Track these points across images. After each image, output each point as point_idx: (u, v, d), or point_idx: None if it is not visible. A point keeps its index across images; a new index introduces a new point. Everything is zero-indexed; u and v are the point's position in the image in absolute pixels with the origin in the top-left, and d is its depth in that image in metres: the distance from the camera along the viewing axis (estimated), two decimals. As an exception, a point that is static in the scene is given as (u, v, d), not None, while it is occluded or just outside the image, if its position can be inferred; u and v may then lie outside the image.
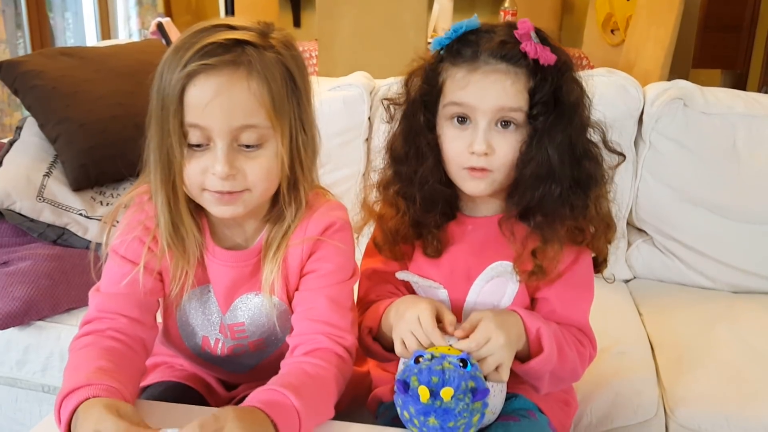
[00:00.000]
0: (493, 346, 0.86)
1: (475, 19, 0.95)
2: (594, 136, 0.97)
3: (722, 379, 1.28)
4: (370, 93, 1.84)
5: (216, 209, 0.89)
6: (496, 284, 1.00)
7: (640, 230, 1.74)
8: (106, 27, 3.90)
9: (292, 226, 0.94)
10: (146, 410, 0.87)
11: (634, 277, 1.74)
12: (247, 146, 0.85)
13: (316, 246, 0.95)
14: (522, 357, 0.93)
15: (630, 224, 1.73)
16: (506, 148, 0.92)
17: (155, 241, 0.94)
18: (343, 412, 0.95)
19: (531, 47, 0.89)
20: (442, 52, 0.95)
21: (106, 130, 1.66)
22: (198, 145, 0.85)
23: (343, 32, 2.64)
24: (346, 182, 1.80)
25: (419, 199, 0.97)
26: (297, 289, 0.97)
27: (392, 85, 1.84)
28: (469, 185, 0.96)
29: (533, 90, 0.90)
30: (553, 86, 0.90)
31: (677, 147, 1.64)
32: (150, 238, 0.93)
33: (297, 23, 4.86)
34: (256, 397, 0.81)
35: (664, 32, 3.42)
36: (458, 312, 1.01)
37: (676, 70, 3.46)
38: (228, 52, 0.82)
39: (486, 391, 0.82)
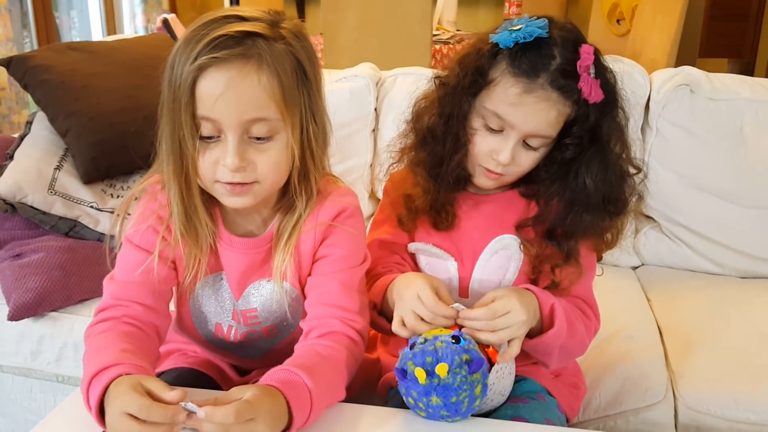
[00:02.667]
0: (512, 319, 0.88)
1: (544, 24, 0.92)
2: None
3: (730, 362, 1.28)
4: (377, 84, 1.85)
5: (227, 200, 0.90)
6: (501, 258, 1.02)
7: (647, 217, 1.74)
8: (111, 24, 3.91)
9: (303, 216, 0.95)
10: None
11: (642, 264, 1.75)
12: (258, 138, 0.86)
13: (328, 231, 0.96)
14: (533, 333, 0.94)
15: (637, 211, 1.73)
16: (527, 163, 0.96)
17: (168, 230, 0.95)
18: (354, 398, 0.96)
19: (587, 86, 0.90)
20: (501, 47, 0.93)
21: (115, 123, 1.66)
22: (209, 137, 0.85)
23: (347, 24, 2.65)
24: (353, 173, 1.81)
25: (448, 181, 1.00)
26: (309, 275, 0.98)
27: (398, 77, 1.88)
28: (481, 181, 1.00)
29: (572, 122, 0.93)
30: (593, 123, 0.93)
31: (684, 133, 1.64)
32: (164, 227, 0.94)
33: (301, 17, 4.86)
34: (272, 376, 0.82)
35: (670, 21, 3.40)
36: (464, 287, 1.03)
37: (683, 60, 3.44)
38: (238, 45, 0.82)
39: (481, 361, 0.83)
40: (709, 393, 1.22)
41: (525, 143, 0.94)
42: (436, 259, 1.05)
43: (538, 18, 0.93)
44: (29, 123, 1.77)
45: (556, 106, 0.91)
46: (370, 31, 2.62)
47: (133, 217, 0.95)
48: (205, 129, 0.84)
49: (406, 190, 1.05)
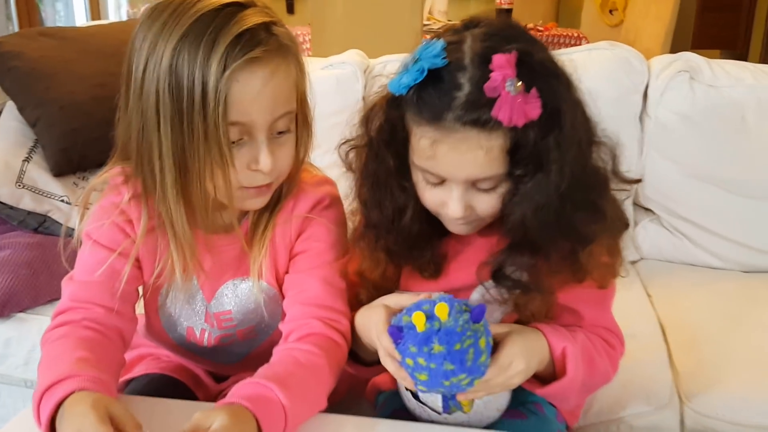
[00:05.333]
0: (512, 372, 0.79)
1: (439, 50, 0.75)
2: (601, 157, 0.83)
3: (738, 360, 1.22)
4: (364, 71, 1.78)
5: (248, 203, 0.85)
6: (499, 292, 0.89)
7: (646, 209, 1.68)
8: (96, 16, 3.84)
9: (279, 204, 0.89)
10: (130, 406, 0.80)
11: (641, 258, 1.68)
12: (278, 133, 0.81)
13: (304, 224, 0.90)
14: (547, 376, 0.87)
15: (636, 203, 1.67)
16: (486, 206, 0.80)
17: (131, 225, 0.87)
18: (339, 403, 0.92)
19: (505, 111, 0.72)
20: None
21: (88, 113, 1.59)
22: (232, 142, 0.78)
23: (336, 12, 2.58)
24: (340, 165, 1.73)
25: (404, 248, 0.87)
26: (287, 272, 0.92)
27: (387, 64, 1.81)
28: (454, 229, 0.86)
29: (513, 149, 0.76)
30: (536, 144, 0.75)
31: (684, 121, 1.58)
32: (124, 221, 0.88)
33: (291, 10, 4.80)
34: (240, 391, 0.76)
35: (665, 10, 3.36)
36: None
37: (675, 51, 3.41)
38: (264, 39, 0.76)
39: (482, 308, 0.75)
40: (716, 395, 1.16)
41: (476, 186, 0.79)
42: None
43: (437, 38, 0.77)
44: (-2, 113, 1.69)
45: (479, 143, 0.74)
46: (359, 21, 2.57)
47: (92, 212, 0.88)
48: (233, 134, 0.77)
49: (355, 262, 0.91)
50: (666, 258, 1.66)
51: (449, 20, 3.77)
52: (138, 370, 1.03)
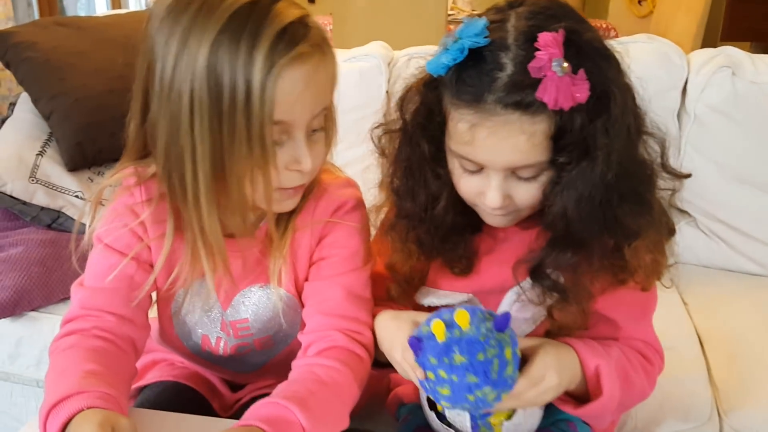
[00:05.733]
0: (544, 386, 0.75)
1: (481, 28, 0.70)
2: (649, 149, 0.78)
3: (781, 377, 1.16)
4: (388, 64, 1.73)
5: (283, 205, 0.81)
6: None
7: (682, 211, 1.58)
8: (117, 4, 3.81)
9: (299, 207, 0.84)
10: (140, 419, 0.78)
11: (675, 262, 1.60)
12: (313, 131, 0.77)
13: (326, 229, 0.86)
14: (579, 394, 0.82)
15: (671, 204, 1.59)
16: (526, 195, 0.75)
17: (144, 228, 0.83)
18: (359, 414, 0.86)
19: (551, 92, 0.67)
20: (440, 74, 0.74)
21: (103, 106, 1.55)
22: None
23: (358, 2, 2.53)
24: (362, 161, 1.65)
25: (437, 240, 0.82)
26: (307, 280, 0.87)
27: (412, 57, 1.75)
28: (490, 220, 0.81)
29: (557, 135, 0.71)
30: (583, 130, 0.70)
31: (724, 119, 1.52)
32: (137, 224, 0.83)
33: (312, -1, 4.75)
34: (257, 412, 0.71)
35: (697, 1, 3.26)
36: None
37: (705, 43, 3.31)
38: (305, 34, 0.72)
39: (506, 316, 0.70)
40: (758, 413, 1.10)
41: (516, 174, 0.74)
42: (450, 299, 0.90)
43: (479, 16, 0.73)
44: (12, 104, 1.68)
45: (521, 128, 0.69)
46: (382, 11, 2.53)
47: (103, 214, 0.83)
48: (275, 134, 0.73)
49: (385, 255, 0.87)
50: (702, 263, 1.59)
51: (473, 10, 3.69)
52: (151, 377, 0.99)
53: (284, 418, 0.70)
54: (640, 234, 0.76)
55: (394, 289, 0.88)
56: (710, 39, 3.58)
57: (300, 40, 0.71)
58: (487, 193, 0.75)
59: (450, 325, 0.69)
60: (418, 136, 0.78)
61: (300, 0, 0.79)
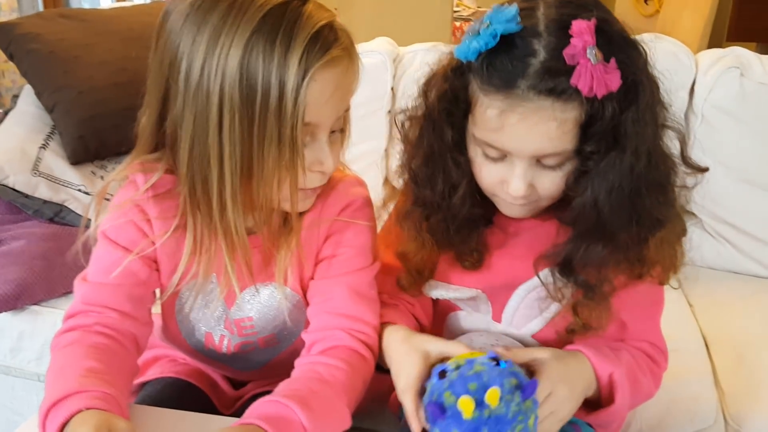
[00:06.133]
0: (555, 401, 0.75)
1: (513, 14, 0.70)
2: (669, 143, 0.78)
3: (788, 380, 1.15)
4: (394, 60, 1.72)
5: (302, 204, 0.81)
6: (542, 293, 0.85)
7: (688, 212, 1.58)
8: (123, -5, 3.79)
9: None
10: (140, 416, 0.78)
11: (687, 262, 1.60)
12: (332, 132, 0.78)
13: (333, 228, 0.85)
14: (591, 400, 0.82)
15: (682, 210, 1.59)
16: (549, 185, 0.76)
17: (150, 224, 0.82)
18: (361, 413, 0.85)
19: (586, 79, 0.67)
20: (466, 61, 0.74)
21: (107, 99, 1.56)
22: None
23: (363, -2, 2.52)
24: (367, 158, 1.70)
25: (452, 229, 0.82)
26: (312, 278, 0.87)
27: (418, 53, 1.74)
28: (508, 211, 0.81)
29: (586, 123, 0.71)
30: (613, 119, 0.70)
31: (732, 121, 1.51)
32: (143, 219, 0.82)
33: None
34: (257, 410, 0.71)
35: (704, 1, 3.24)
36: (498, 311, 0.89)
37: (711, 43, 3.30)
38: (335, 37, 0.73)
39: (534, 384, 0.69)
40: (764, 417, 1.09)
41: (540, 163, 0.74)
42: (463, 299, 0.90)
43: (509, 3, 0.73)
44: (16, 96, 1.66)
45: (553, 115, 0.69)
46: (388, 6, 2.52)
47: (108, 208, 0.82)
48: (303, 135, 0.74)
49: (397, 244, 0.87)
50: (708, 265, 1.58)
51: (479, 7, 3.67)
52: (153, 373, 0.99)
53: (285, 416, 0.69)
54: (665, 225, 0.76)
55: (405, 279, 0.88)
56: (716, 39, 3.56)
57: (332, 44, 0.71)
58: (510, 181, 0.75)
59: (479, 404, 0.67)
60: (441, 123, 0.78)
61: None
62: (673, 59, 1.52)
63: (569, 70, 0.67)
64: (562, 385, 0.75)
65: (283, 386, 0.75)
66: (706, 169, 0.81)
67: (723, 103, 1.51)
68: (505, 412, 0.67)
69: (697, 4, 3.27)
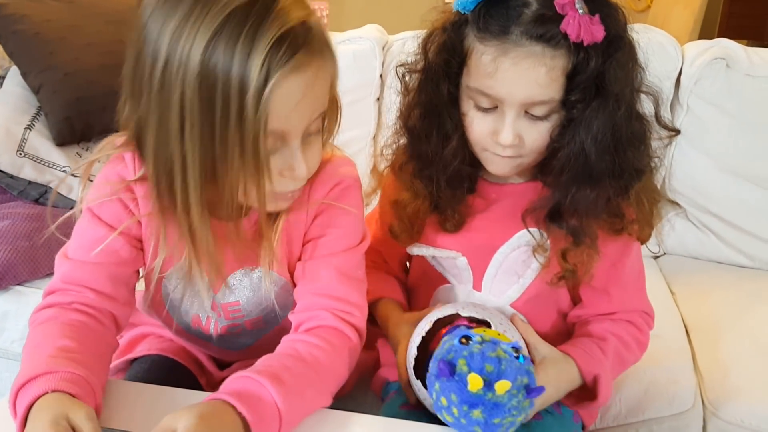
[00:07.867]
0: (542, 401, 0.82)
1: None
2: (644, 105, 0.84)
3: (766, 366, 1.16)
4: (383, 48, 1.72)
5: (278, 206, 0.79)
6: (522, 254, 0.90)
7: (672, 202, 1.61)
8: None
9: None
10: (119, 391, 0.78)
11: (665, 253, 1.62)
12: (308, 134, 0.74)
13: (320, 208, 0.84)
14: (576, 392, 0.89)
15: (662, 196, 1.60)
16: (536, 136, 0.82)
17: (137, 203, 0.81)
18: (346, 395, 0.87)
19: (574, 26, 0.74)
20: (464, 13, 0.80)
21: (93, 81, 1.54)
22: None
23: (354, -14, 2.50)
24: (355, 144, 1.69)
25: (443, 182, 0.88)
26: (299, 259, 0.86)
27: (407, 41, 1.73)
28: (495, 167, 0.86)
29: (572, 73, 0.78)
30: (597, 69, 0.77)
31: (718, 112, 1.52)
32: (130, 198, 0.80)
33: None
34: (229, 386, 0.70)
35: (694, -4, 3.25)
36: (478, 280, 0.92)
37: (702, 39, 3.31)
38: (306, 39, 0.67)
39: (540, 390, 0.72)
40: (743, 402, 1.10)
41: (528, 114, 0.80)
42: (443, 258, 0.94)
43: None
44: (2, 77, 1.65)
45: (543, 60, 0.76)
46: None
47: (94, 182, 0.81)
48: (269, 143, 0.69)
49: (392, 195, 0.92)
50: (691, 254, 1.60)
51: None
52: (140, 350, 0.98)
53: (255, 392, 0.68)
54: (643, 176, 0.84)
55: (398, 226, 0.93)
56: (707, 36, 3.58)
57: (300, 46, 0.66)
58: (501, 131, 0.80)
59: (487, 385, 0.70)
60: (438, 75, 0.83)
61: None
62: (660, 49, 1.52)
63: (559, 19, 0.75)
64: (551, 390, 0.83)
65: (258, 363, 0.74)
66: (677, 131, 0.90)
67: (708, 95, 1.51)
68: (506, 402, 0.70)
69: (688, 1, 3.27)
